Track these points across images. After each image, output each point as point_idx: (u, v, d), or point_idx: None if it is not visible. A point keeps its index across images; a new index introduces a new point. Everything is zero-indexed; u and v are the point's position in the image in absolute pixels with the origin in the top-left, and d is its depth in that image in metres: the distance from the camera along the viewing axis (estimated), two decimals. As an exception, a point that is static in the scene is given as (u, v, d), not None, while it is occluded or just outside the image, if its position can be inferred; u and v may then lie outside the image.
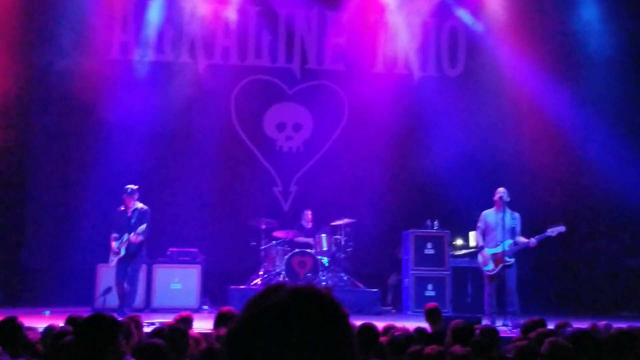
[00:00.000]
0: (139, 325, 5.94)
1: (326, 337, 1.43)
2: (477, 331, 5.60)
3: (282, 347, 1.41)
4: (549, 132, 13.60)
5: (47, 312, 10.32)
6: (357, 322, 5.66)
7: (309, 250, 12.29)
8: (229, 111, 14.20)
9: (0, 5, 12.56)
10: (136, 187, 10.46)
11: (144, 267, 11.28)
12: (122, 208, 10.49)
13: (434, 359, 4.36)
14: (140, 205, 10.48)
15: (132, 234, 10.19)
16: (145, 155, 13.04)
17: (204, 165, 13.62)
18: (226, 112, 14.13)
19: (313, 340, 1.42)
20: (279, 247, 12.41)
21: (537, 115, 13.67)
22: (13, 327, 5.20)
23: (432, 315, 6.93)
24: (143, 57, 13.72)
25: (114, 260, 10.42)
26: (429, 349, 4.54)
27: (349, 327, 1.48)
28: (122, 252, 10.29)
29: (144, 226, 10.19)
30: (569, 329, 5.63)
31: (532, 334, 5.24)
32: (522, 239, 10.02)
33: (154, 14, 13.67)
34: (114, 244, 10.37)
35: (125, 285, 10.35)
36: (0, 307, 9.53)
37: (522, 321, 7.53)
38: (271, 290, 1.49)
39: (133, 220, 10.32)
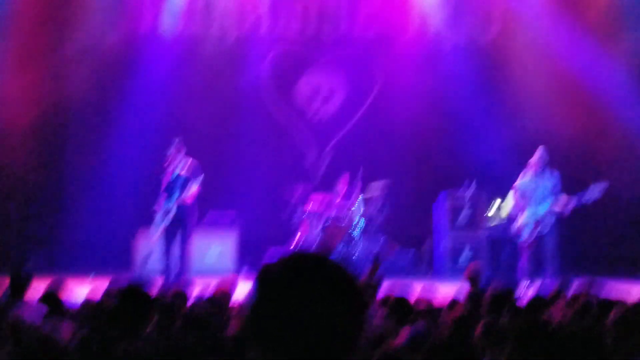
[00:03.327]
0: (185, 300, 6.01)
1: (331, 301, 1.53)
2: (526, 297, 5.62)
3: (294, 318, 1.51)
4: (586, 95, 13.36)
5: (92, 275, 10.53)
6: (392, 286, 5.72)
7: (345, 213, 12.32)
8: (261, 81, 14.18)
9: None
10: (180, 140, 9.98)
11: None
12: (168, 165, 9.91)
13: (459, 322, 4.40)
14: (188, 160, 9.97)
15: (188, 188, 9.65)
16: (178, 123, 13.12)
17: (238, 134, 13.72)
18: (258, 81, 14.13)
19: (320, 305, 1.52)
20: (315, 212, 12.46)
21: (573, 76, 13.43)
22: (54, 301, 5.32)
23: (472, 277, 6.94)
24: (173, 29, 13.74)
25: (162, 223, 9.85)
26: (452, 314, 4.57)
27: (351, 287, 1.56)
28: (173, 212, 9.75)
29: (200, 177, 9.69)
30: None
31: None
32: (559, 204, 9.92)
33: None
34: (163, 205, 9.77)
35: (176, 250, 9.87)
36: (43, 273, 9.71)
37: (559, 282, 7.52)
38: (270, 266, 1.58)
39: (182, 177, 9.82)
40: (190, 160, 10.02)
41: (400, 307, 5.13)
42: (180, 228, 9.91)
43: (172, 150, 9.92)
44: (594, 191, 9.85)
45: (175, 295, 5.67)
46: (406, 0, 14.12)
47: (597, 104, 13.26)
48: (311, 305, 1.51)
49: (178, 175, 9.86)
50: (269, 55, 14.24)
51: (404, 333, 3.99)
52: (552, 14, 13.51)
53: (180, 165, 9.94)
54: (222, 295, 5.37)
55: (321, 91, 14.43)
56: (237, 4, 13.91)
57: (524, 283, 9.63)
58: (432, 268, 12.96)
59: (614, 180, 12.18)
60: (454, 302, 5.84)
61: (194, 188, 9.77)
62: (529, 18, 13.78)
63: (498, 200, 12.97)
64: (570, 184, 10.49)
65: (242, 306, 5.29)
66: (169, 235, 9.92)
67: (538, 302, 5.43)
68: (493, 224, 12.66)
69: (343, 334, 1.53)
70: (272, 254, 11.95)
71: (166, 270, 9.86)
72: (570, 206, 9.97)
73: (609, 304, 4.58)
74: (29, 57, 12.81)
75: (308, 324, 1.50)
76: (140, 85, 13.21)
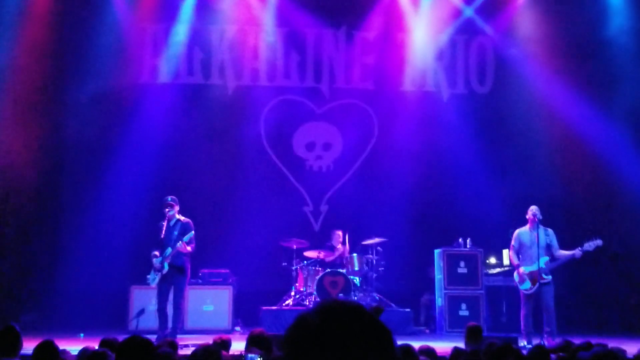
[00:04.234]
0: (175, 349, 5.93)
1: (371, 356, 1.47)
2: (525, 351, 5.51)
3: None
4: (580, 150, 13.44)
5: (82, 335, 10.36)
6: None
7: (340, 270, 12.21)
8: (259, 132, 14.24)
9: (36, 24, 12.87)
10: (174, 197, 9.90)
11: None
12: (163, 222, 9.81)
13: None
14: (182, 217, 9.88)
15: (178, 243, 9.51)
16: (175, 176, 13.15)
17: (234, 186, 13.69)
18: (256, 132, 14.18)
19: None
20: (310, 268, 12.36)
21: (568, 132, 13.53)
22: (50, 351, 5.22)
23: (472, 335, 6.80)
24: (173, 80, 13.88)
25: (155, 279, 9.70)
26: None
27: (392, 345, 1.51)
28: (166, 268, 9.60)
29: (191, 233, 9.57)
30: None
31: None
32: (564, 252, 9.87)
33: (184, 38, 13.82)
34: (156, 261, 9.70)
35: (169, 308, 9.72)
36: (35, 330, 9.56)
37: (558, 341, 7.42)
38: (305, 316, 1.53)
39: (175, 232, 9.70)
40: (183, 218, 9.94)
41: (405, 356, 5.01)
42: (172, 285, 9.78)
43: (166, 207, 9.82)
44: (587, 248, 9.78)
45: (167, 344, 5.58)
46: (403, 52, 14.28)
47: (594, 159, 13.32)
48: (349, 356, 1.46)
49: (171, 233, 9.75)
50: (267, 106, 14.33)
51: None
52: (548, 67, 13.67)
53: (173, 222, 9.85)
54: (217, 348, 5.24)
55: (318, 143, 14.47)
56: (235, 55, 14.06)
57: (522, 342, 9.50)
58: (429, 325, 12.78)
59: (610, 236, 12.17)
60: (457, 352, 5.72)
61: (187, 247, 9.66)
62: (525, 72, 13.94)
63: (493, 258, 12.90)
64: (567, 240, 10.44)
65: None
66: (162, 292, 9.78)
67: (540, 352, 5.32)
68: (492, 274, 12.56)
69: None
70: (266, 312, 11.78)
71: (159, 328, 9.69)
72: (563, 262, 9.91)
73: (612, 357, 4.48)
74: (28, 111, 12.86)
75: None
76: (137, 136, 13.19)
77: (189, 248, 9.67)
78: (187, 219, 9.94)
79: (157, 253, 9.72)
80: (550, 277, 9.84)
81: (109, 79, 13.18)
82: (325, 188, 14.34)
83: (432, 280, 12.67)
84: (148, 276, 9.91)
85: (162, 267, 9.64)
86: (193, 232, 9.70)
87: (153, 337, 8.22)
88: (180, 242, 9.57)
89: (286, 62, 14.33)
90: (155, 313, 9.90)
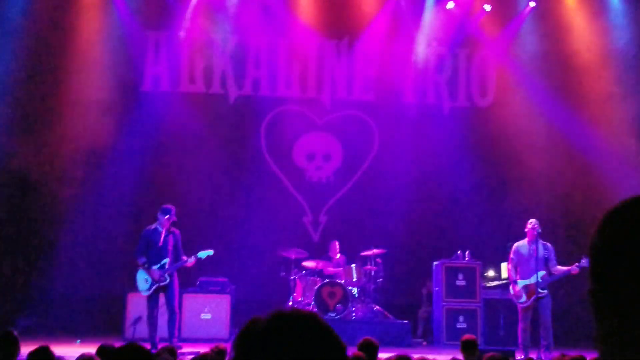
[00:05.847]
0: (174, 356, 5.91)
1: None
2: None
3: None
4: (581, 164, 13.45)
5: (78, 341, 10.35)
6: (391, 354, 5.59)
7: (339, 281, 12.20)
8: (259, 141, 14.26)
9: (39, 32, 12.96)
10: (172, 209, 9.87)
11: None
12: (154, 227, 9.82)
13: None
14: (173, 228, 9.90)
15: (190, 259, 9.70)
16: (175, 184, 13.15)
17: (234, 195, 13.69)
18: (256, 142, 14.21)
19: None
20: (308, 278, 12.33)
21: (568, 147, 13.56)
22: (46, 356, 5.21)
23: (468, 347, 6.79)
24: (174, 88, 13.92)
25: (152, 288, 9.68)
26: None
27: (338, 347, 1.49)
28: (167, 280, 9.63)
29: (210, 252, 9.79)
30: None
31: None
32: (561, 268, 9.85)
33: (186, 46, 13.86)
34: (154, 270, 9.61)
35: (167, 314, 9.74)
36: (31, 335, 9.54)
37: (555, 355, 7.41)
38: (251, 323, 1.53)
39: (171, 243, 9.73)
40: (176, 231, 9.96)
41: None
42: (164, 293, 9.79)
43: (166, 215, 9.80)
44: (585, 264, 9.75)
45: (165, 350, 5.57)
46: (404, 65, 14.31)
47: (595, 173, 13.31)
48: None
49: (167, 243, 9.76)
50: (268, 116, 14.35)
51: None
52: (549, 82, 13.71)
53: (170, 233, 9.86)
54: (215, 357, 5.24)
55: (318, 154, 14.49)
56: (237, 64, 14.09)
57: (520, 356, 9.48)
58: (427, 338, 12.76)
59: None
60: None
61: (204, 256, 9.78)
62: (526, 86, 13.97)
63: (491, 271, 12.89)
64: (566, 255, 10.43)
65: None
66: (153, 300, 9.80)
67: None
68: (490, 286, 12.55)
69: None
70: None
71: (150, 336, 9.70)
72: (560, 277, 9.88)
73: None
74: (30, 118, 12.93)
75: None
76: (137, 144, 13.21)
77: (191, 261, 9.80)
78: (178, 230, 9.99)
79: (144, 260, 9.72)
80: (546, 291, 9.82)
81: (111, 86, 13.21)
82: (324, 199, 14.34)
83: (431, 292, 12.65)
84: (138, 284, 9.84)
85: (164, 278, 9.66)
86: (212, 251, 9.88)
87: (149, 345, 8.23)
88: (193, 257, 9.72)
89: (287, 73, 14.37)
90: (148, 321, 9.90)
